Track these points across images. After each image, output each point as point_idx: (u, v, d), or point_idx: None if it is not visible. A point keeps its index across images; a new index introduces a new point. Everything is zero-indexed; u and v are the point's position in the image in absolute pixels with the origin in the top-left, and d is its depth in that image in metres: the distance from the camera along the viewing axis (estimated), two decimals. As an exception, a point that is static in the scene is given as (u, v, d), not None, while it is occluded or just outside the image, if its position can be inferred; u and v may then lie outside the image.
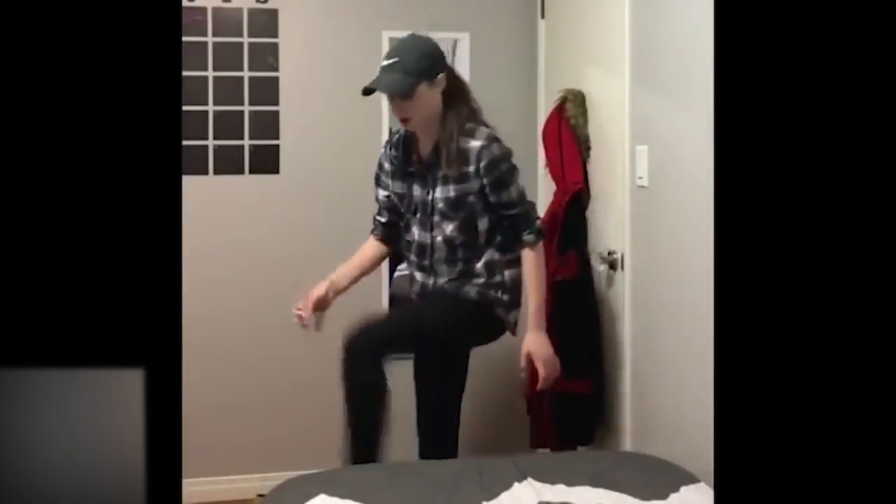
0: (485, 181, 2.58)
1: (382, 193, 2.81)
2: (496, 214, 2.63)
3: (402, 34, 3.74)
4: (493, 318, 2.68)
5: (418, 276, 2.74)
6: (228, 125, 3.64)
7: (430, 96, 2.59)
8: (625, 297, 2.94)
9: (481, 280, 2.64)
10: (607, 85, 3.06)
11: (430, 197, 2.63)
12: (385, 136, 3.77)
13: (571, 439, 3.13)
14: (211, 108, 3.62)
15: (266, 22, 3.65)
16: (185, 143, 3.51)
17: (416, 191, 2.67)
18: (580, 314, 3.09)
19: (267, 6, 3.65)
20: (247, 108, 3.66)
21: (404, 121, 2.61)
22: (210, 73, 3.61)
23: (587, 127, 3.21)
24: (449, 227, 2.62)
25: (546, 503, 2.08)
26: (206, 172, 3.63)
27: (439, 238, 2.64)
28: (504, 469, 2.26)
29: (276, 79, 3.68)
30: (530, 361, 2.64)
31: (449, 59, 4.32)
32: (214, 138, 3.63)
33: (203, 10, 3.59)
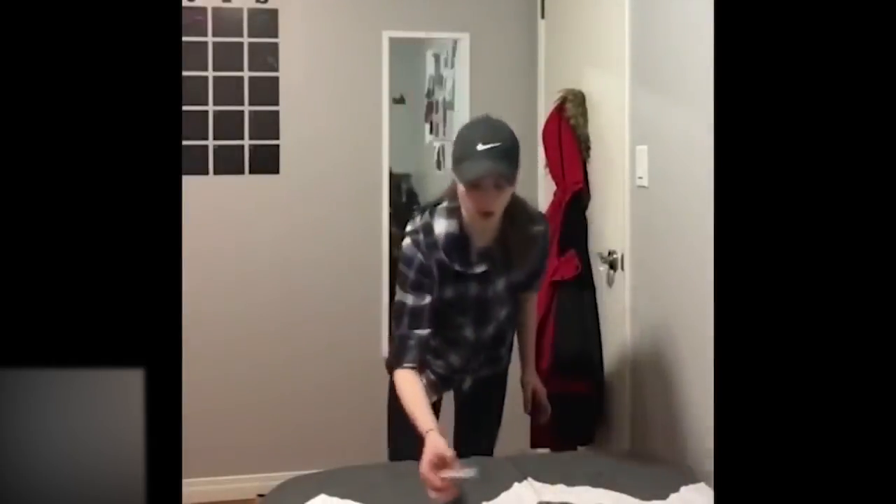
0: (532, 267, 2.45)
1: (429, 298, 2.29)
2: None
3: (403, 34, 3.78)
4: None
5: (442, 377, 2.51)
6: (228, 125, 3.64)
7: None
8: (625, 297, 2.94)
9: (510, 336, 2.58)
10: (607, 85, 3.06)
11: (489, 292, 2.37)
12: (385, 140, 3.78)
13: (571, 439, 3.13)
14: (211, 108, 3.62)
15: (266, 22, 3.65)
16: (185, 143, 3.51)
17: (473, 289, 2.35)
18: (580, 314, 3.09)
19: (267, 6, 3.65)
20: (247, 108, 3.66)
21: (488, 215, 2.20)
22: (210, 73, 3.61)
23: (587, 127, 3.21)
24: (503, 314, 2.44)
25: (546, 503, 2.08)
26: (206, 172, 3.63)
27: (491, 330, 2.45)
28: (504, 469, 2.26)
29: (276, 79, 3.68)
30: (535, 398, 2.67)
31: (449, 59, 4.35)
32: (214, 138, 3.63)
33: (203, 10, 3.59)
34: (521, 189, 2.31)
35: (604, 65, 3.11)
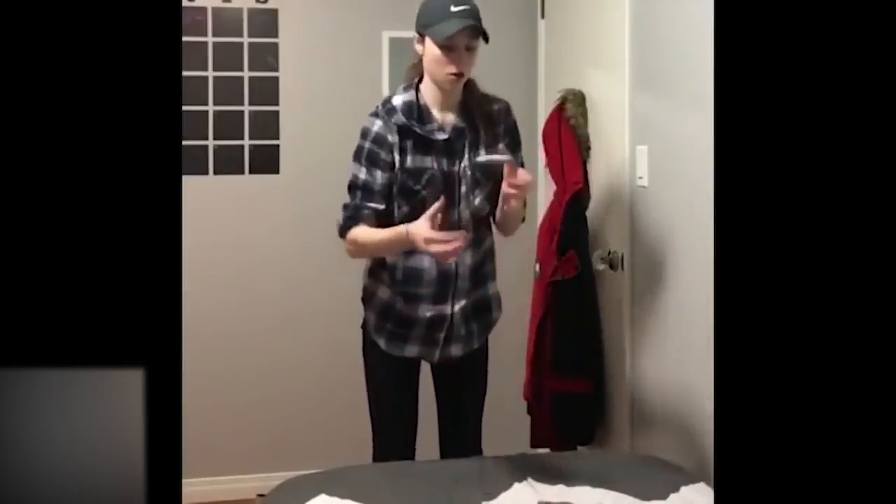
0: (504, 143, 2.44)
1: (381, 175, 2.36)
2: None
3: (403, 34, 3.77)
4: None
5: (428, 263, 2.38)
6: (228, 125, 3.64)
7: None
8: (625, 297, 2.94)
9: (490, 267, 2.51)
10: (607, 85, 3.06)
11: (457, 167, 2.36)
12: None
13: (571, 439, 3.14)
14: (211, 108, 3.62)
15: (266, 22, 3.65)
16: (185, 143, 3.51)
17: (441, 163, 2.35)
18: (580, 314, 3.09)
19: (267, 6, 3.65)
20: (247, 108, 3.66)
21: (458, 76, 2.30)
22: (210, 73, 3.61)
23: (587, 127, 3.21)
24: (479, 198, 2.38)
25: (546, 503, 2.08)
26: (206, 172, 3.63)
27: (467, 213, 2.38)
28: (504, 469, 2.26)
29: (276, 79, 3.68)
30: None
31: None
32: (214, 138, 3.63)
33: (203, 10, 3.59)
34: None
35: (604, 65, 3.11)
